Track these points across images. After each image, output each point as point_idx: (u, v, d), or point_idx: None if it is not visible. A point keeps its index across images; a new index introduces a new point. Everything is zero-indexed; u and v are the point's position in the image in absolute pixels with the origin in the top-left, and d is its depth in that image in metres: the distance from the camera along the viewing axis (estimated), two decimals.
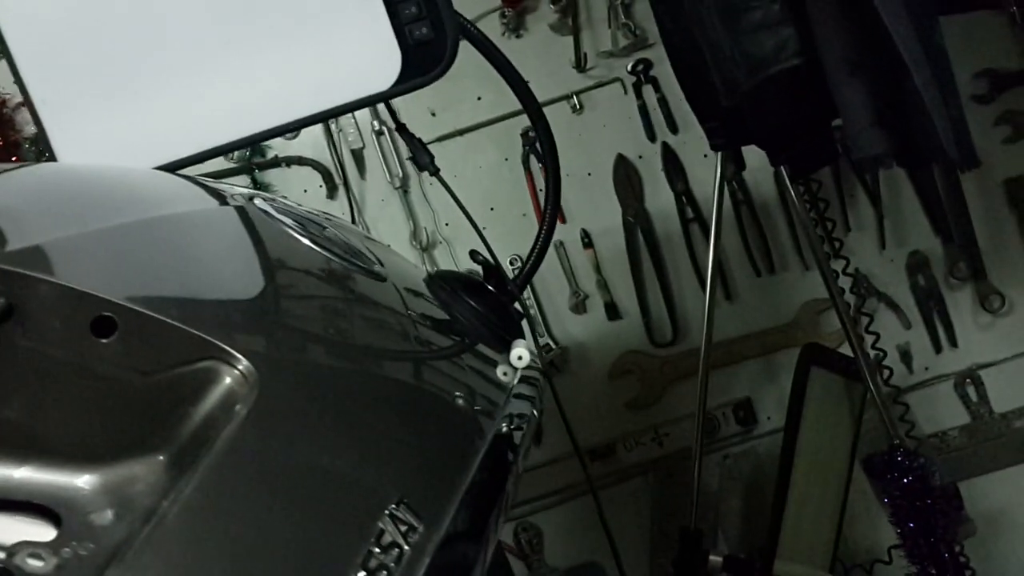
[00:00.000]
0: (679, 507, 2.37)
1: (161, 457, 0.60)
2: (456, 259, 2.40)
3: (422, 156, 1.19)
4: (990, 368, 2.39)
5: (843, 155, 1.92)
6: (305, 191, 2.42)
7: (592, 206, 2.40)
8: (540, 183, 2.39)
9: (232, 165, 2.40)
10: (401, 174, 2.40)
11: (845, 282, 2.26)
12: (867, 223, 2.36)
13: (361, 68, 1.07)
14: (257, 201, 0.95)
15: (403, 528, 0.56)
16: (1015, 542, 2.35)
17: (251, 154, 2.40)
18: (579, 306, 2.42)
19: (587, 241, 2.40)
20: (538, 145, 1.24)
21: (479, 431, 0.79)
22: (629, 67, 2.37)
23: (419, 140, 1.20)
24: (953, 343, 2.38)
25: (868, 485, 2.29)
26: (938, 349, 2.39)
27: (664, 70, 2.35)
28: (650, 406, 2.44)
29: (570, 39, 2.35)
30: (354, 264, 0.91)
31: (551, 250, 2.37)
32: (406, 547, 0.55)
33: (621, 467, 2.44)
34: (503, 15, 2.31)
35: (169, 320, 0.59)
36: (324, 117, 1.09)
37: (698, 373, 2.30)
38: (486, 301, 1.17)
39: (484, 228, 2.43)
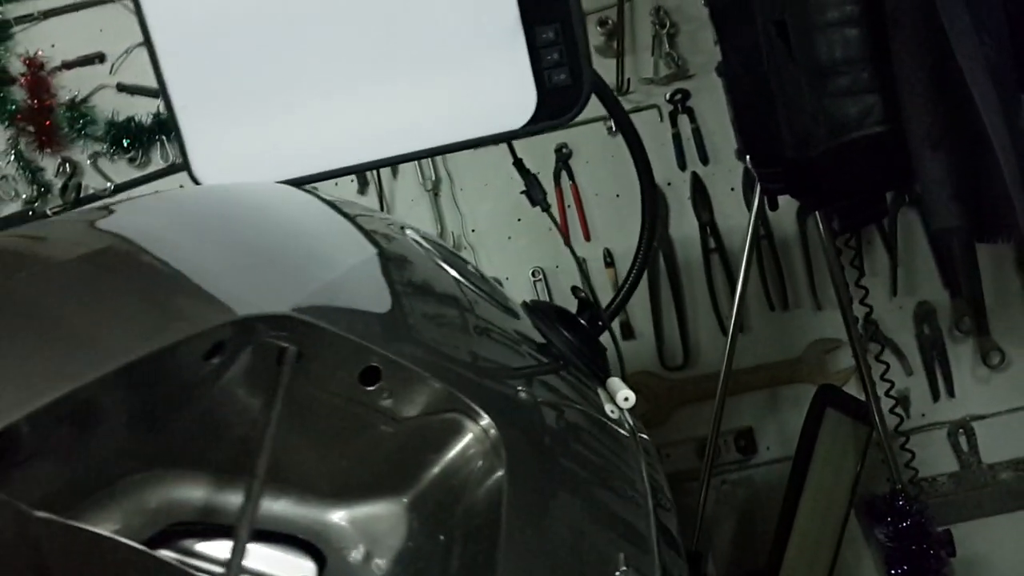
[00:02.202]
0: None
1: (404, 499, 0.64)
2: (480, 266, 2.44)
3: (536, 192, 1.23)
4: (983, 420, 2.47)
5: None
6: (336, 184, 2.44)
7: (617, 227, 2.45)
8: (568, 199, 2.44)
9: None
10: (434, 177, 2.43)
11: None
12: (881, 270, 2.43)
13: (497, 106, 1.11)
14: (409, 232, 0.98)
15: None
16: None
17: None
18: None
19: (609, 261, 2.45)
20: (641, 197, 1.28)
21: (641, 477, 0.83)
22: (667, 96, 2.42)
23: (535, 176, 1.24)
24: (951, 393, 2.47)
25: (856, 523, 2.38)
26: (936, 397, 2.47)
27: (700, 101, 2.42)
28: (655, 427, 2.49)
29: (613, 62, 2.39)
30: (503, 306, 0.95)
31: (572, 266, 2.44)
32: None
33: None
34: None
35: (424, 373, 0.63)
36: (454, 149, 1.13)
37: (704, 399, 2.38)
38: (579, 334, 1.22)
39: (509, 238, 2.50)
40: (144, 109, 2.45)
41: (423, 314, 0.74)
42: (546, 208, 1.25)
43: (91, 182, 2.47)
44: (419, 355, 0.65)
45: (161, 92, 1.12)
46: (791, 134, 1.58)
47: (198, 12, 1.09)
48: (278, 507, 0.61)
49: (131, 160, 2.46)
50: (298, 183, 1.11)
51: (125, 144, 2.43)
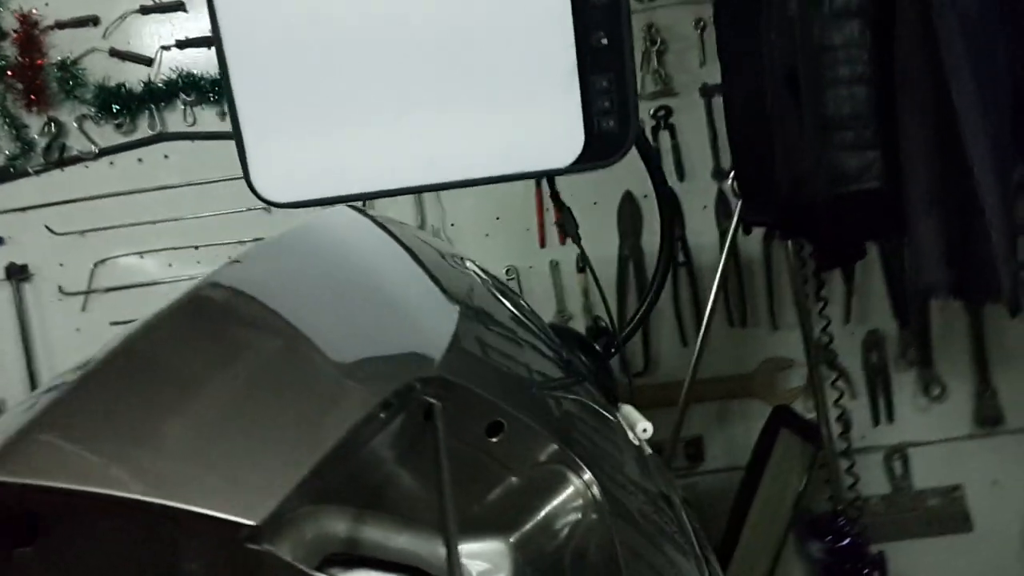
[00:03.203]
0: None
1: (511, 539, 0.71)
2: None
3: (572, 226, 1.29)
4: (918, 447, 2.62)
5: None
6: None
7: (592, 234, 2.49)
8: (548, 202, 2.51)
9: None
10: None
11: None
12: (837, 297, 2.54)
13: (546, 144, 1.17)
14: (469, 265, 1.04)
15: None
16: None
17: None
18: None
19: (581, 266, 2.52)
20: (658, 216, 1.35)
21: (677, 499, 0.91)
22: (651, 111, 2.50)
23: (569, 209, 1.31)
24: (890, 419, 2.60)
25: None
26: (876, 422, 2.60)
27: (682, 119, 2.50)
28: None
29: None
30: (549, 337, 1.02)
31: (545, 268, 2.52)
32: None
33: None
34: None
35: (539, 428, 0.70)
36: (500, 180, 1.18)
37: (659, 406, 2.47)
38: (594, 360, 1.30)
39: (487, 235, 2.55)
40: (135, 76, 2.45)
41: (514, 361, 0.81)
42: (578, 240, 1.31)
43: (75, 144, 2.47)
44: (528, 407, 0.72)
45: (226, 98, 1.15)
46: (786, 175, 1.67)
47: (273, 22, 1.13)
48: (403, 540, 0.68)
49: (118, 126, 2.46)
50: (349, 199, 1.17)
51: (114, 109, 2.43)
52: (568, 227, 1.30)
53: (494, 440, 0.69)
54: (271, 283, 0.68)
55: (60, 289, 2.53)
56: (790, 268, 2.31)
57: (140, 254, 2.52)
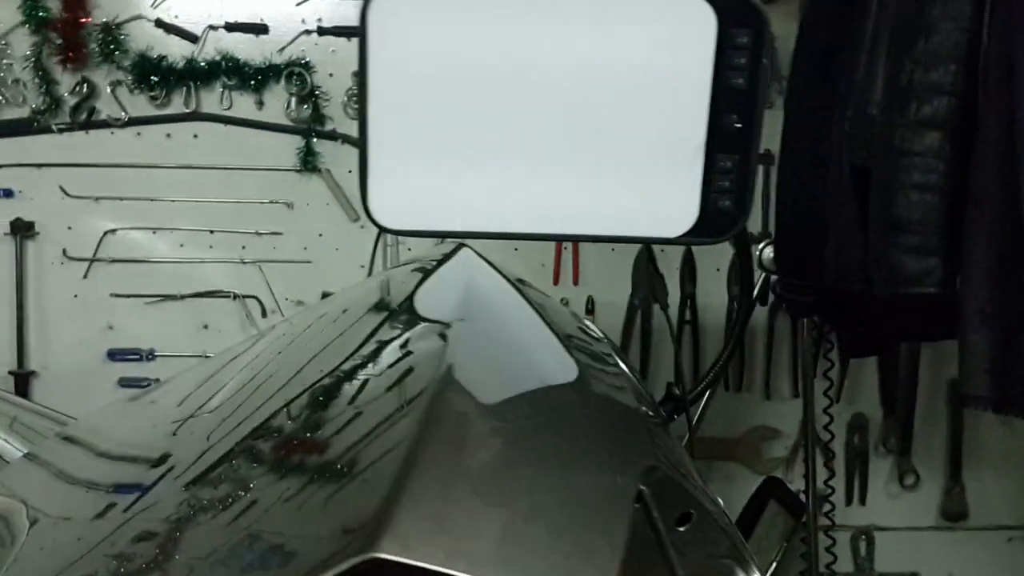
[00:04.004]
0: None
1: None
2: None
3: (663, 294, 1.31)
4: (885, 532, 2.68)
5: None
6: (349, 171, 2.47)
7: (605, 278, 2.54)
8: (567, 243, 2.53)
9: (292, 125, 2.46)
10: None
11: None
12: (830, 376, 2.60)
13: (660, 213, 1.19)
14: (588, 323, 1.06)
15: None
16: None
17: (313, 121, 2.46)
18: None
19: (590, 307, 2.54)
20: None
21: None
22: None
23: (663, 277, 1.33)
24: (862, 501, 2.66)
25: None
26: (849, 502, 2.66)
27: None
28: None
29: None
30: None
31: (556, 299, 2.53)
32: None
33: None
34: None
35: (722, 524, 0.71)
36: (607, 240, 1.21)
37: None
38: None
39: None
40: (178, 51, 2.43)
41: (663, 433, 0.83)
42: (665, 308, 1.33)
43: (105, 108, 2.44)
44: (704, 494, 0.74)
45: (360, 125, 1.15)
46: (834, 262, 1.70)
47: (420, 62, 1.13)
48: None
49: (152, 98, 2.43)
50: (456, 236, 1.18)
51: (151, 81, 2.41)
52: (659, 294, 1.33)
53: (681, 529, 0.70)
54: (502, 361, 0.70)
55: (64, 252, 2.48)
56: (801, 344, 2.35)
57: (153, 230, 2.49)
